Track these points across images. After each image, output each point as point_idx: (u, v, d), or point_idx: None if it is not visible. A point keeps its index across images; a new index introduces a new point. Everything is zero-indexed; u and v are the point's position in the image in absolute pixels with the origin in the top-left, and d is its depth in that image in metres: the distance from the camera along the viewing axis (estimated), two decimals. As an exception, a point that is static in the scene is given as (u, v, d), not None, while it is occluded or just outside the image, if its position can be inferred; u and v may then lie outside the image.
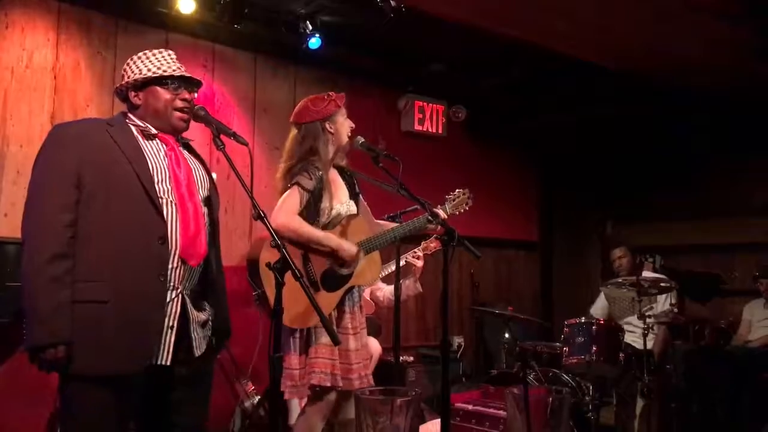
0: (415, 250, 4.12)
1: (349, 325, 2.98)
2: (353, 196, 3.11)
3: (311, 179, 2.87)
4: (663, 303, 5.02)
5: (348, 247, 2.91)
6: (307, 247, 2.88)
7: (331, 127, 3.00)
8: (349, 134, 3.05)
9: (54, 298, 1.95)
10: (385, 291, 4.20)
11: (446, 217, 3.30)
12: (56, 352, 1.94)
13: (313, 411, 2.93)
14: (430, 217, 2.91)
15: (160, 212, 2.10)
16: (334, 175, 3.07)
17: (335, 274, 2.95)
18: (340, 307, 2.98)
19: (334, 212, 2.98)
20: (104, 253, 2.03)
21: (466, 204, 3.51)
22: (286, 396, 2.88)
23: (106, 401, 2.00)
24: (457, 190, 3.49)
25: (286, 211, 2.84)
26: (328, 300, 2.91)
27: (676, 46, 5.05)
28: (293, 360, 2.86)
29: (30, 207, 2.07)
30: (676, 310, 5.03)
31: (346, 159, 3.15)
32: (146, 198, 2.09)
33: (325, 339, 2.81)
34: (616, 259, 5.51)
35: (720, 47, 4.99)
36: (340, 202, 3.03)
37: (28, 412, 3.95)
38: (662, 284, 4.37)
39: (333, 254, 2.90)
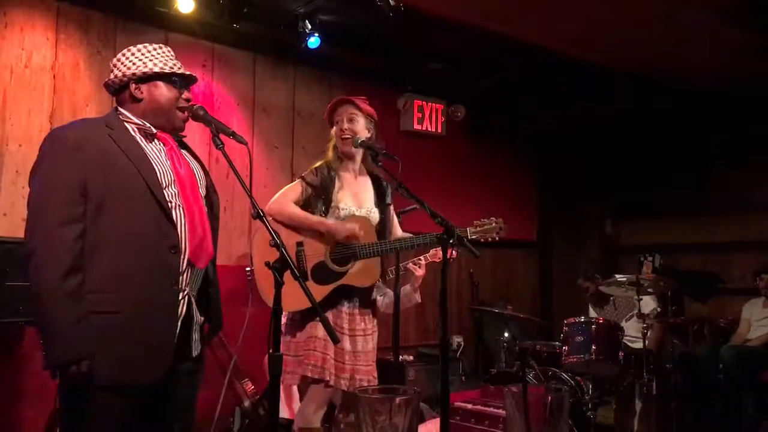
0: (420, 257, 4.09)
1: (345, 326, 3.01)
2: (380, 204, 3.15)
3: (316, 176, 3.03)
4: (646, 305, 4.98)
5: (342, 226, 2.94)
6: (300, 230, 2.96)
7: (332, 131, 3.16)
8: (344, 137, 3.08)
9: (72, 314, 1.91)
10: (381, 300, 4.26)
11: (463, 238, 3.10)
12: (79, 367, 1.90)
13: (306, 402, 3.01)
14: (437, 236, 2.92)
15: (170, 219, 2.07)
16: (362, 179, 3.15)
17: (327, 268, 2.99)
18: (336, 305, 3.00)
19: (344, 212, 3.04)
20: (115, 263, 2.00)
21: (496, 233, 3.17)
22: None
23: (113, 407, 1.98)
24: (492, 219, 3.17)
25: (281, 197, 3.03)
26: (313, 291, 2.93)
27: (675, 44, 5.06)
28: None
29: (35, 221, 1.98)
30: (659, 310, 5.02)
31: (383, 169, 3.02)
32: (156, 205, 2.05)
33: (321, 333, 2.87)
34: (586, 288, 5.49)
35: (720, 45, 4.99)
36: (360, 206, 3.09)
37: (28, 412, 3.95)
38: (660, 282, 4.37)
39: (328, 236, 2.97)
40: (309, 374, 2.88)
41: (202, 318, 2.23)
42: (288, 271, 1.95)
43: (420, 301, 3.80)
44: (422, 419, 4.06)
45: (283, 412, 4.06)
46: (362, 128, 3.07)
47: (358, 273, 3.03)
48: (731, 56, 5.17)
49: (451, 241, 2.44)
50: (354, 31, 5.27)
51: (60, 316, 1.90)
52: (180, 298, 2.10)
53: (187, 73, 2.25)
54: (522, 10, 4.59)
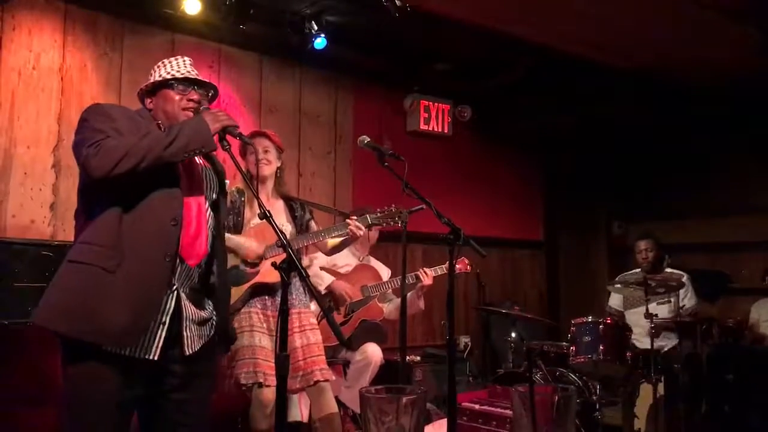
0: (437, 267, 4.11)
1: (265, 326, 3.16)
2: (292, 220, 3.35)
3: (228, 197, 3.19)
4: (683, 299, 4.89)
5: (250, 245, 3.10)
6: None
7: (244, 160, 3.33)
8: (265, 163, 3.30)
9: (163, 133, 2.09)
10: (387, 307, 4.29)
11: (365, 227, 3.32)
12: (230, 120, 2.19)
13: (252, 409, 3.16)
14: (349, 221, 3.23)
15: (177, 196, 2.14)
16: (275, 202, 3.34)
17: (239, 271, 3.13)
18: (256, 305, 3.16)
19: (252, 223, 3.23)
20: (122, 221, 2.06)
21: (400, 220, 3.29)
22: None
23: (107, 396, 2.00)
24: (393, 205, 3.34)
25: None
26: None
27: (679, 42, 5.04)
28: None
29: (88, 135, 2.08)
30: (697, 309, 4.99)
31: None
32: (170, 178, 2.14)
33: (246, 341, 3.07)
34: (642, 251, 5.20)
35: (723, 43, 4.97)
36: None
37: (35, 414, 3.96)
38: (671, 283, 4.35)
39: (235, 254, 3.10)
40: (243, 381, 3.03)
41: (205, 315, 2.23)
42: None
43: (423, 308, 3.84)
44: (429, 420, 4.07)
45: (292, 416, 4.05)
46: (274, 158, 3.35)
47: (269, 270, 3.11)
48: (735, 54, 5.13)
49: (458, 243, 2.44)
50: (360, 31, 5.27)
51: (162, 136, 2.07)
52: (168, 292, 2.10)
53: (180, 76, 2.30)
54: (527, 9, 4.58)
